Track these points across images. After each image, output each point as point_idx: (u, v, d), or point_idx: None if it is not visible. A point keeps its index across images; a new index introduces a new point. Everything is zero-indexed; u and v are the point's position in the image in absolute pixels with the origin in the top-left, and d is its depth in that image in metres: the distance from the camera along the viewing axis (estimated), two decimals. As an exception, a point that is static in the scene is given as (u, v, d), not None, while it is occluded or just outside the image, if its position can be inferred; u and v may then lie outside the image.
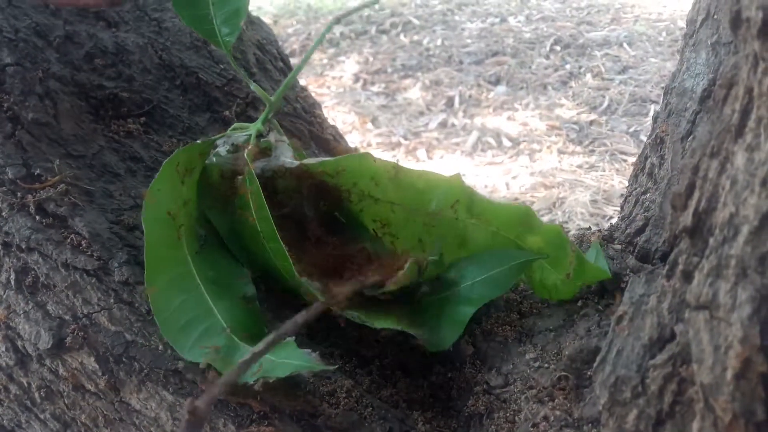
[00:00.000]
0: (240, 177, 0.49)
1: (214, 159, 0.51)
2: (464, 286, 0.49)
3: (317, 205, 0.52)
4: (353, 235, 0.52)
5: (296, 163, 0.51)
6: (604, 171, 2.00)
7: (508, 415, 0.46)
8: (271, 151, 0.51)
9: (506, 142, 2.15)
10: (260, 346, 0.37)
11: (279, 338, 0.39)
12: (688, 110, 0.48)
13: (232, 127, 0.53)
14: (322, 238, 0.52)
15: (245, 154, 0.49)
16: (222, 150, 0.51)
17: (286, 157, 0.51)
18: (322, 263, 0.50)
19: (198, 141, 0.50)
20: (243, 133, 0.52)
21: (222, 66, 0.65)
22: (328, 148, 0.70)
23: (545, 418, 0.42)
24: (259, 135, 0.52)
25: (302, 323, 0.39)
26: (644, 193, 0.54)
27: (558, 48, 2.70)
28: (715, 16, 0.46)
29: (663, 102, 0.53)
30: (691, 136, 0.47)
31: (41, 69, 0.56)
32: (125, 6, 0.65)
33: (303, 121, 0.69)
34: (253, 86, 0.51)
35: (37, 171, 0.52)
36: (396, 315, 0.47)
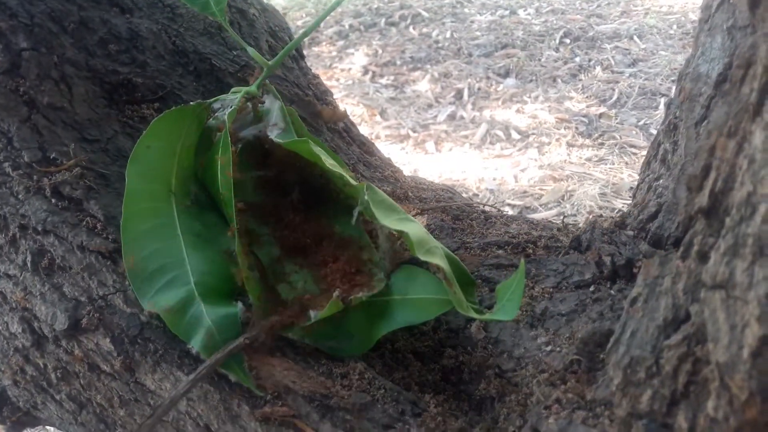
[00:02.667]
0: (219, 134, 0.49)
1: (212, 121, 0.51)
2: (396, 298, 0.48)
3: (301, 173, 0.52)
4: (334, 209, 0.52)
5: (273, 136, 0.50)
6: (614, 164, 1.99)
7: (519, 398, 0.46)
8: (266, 116, 0.51)
9: (515, 135, 2.15)
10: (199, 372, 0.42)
11: (213, 366, 0.43)
12: (702, 95, 0.47)
13: (232, 90, 0.53)
14: (300, 207, 0.52)
15: (226, 115, 0.49)
16: (221, 114, 0.51)
17: (278, 123, 0.50)
18: (294, 235, 0.51)
19: (192, 103, 0.50)
20: (237, 95, 0.52)
21: (235, 52, 0.65)
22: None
23: (557, 400, 0.42)
24: (253, 98, 0.52)
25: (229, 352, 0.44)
26: (657, 179, 0.54)
27: (568, 41, 2.69)
28: (731, 0, 0.46)
29: (677, 87, 0.53)
30: (706, 121, 0.47)
31: (56, 54, 0.57)
32: (139, -8, 0.65)
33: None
34: (250, 51, 0.52)
35: (53, 155, 0.52)
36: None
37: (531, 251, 0.55)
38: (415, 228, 0.46)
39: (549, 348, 0.47)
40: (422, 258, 0.44)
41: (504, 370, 0.48)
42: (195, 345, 0.44)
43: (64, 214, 0.50)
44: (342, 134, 0.70)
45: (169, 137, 0.48)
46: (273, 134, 0.49)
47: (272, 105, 0.52)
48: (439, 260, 0.45)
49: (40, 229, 0.49)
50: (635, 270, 0.49)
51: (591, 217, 0.55)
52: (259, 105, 0.51)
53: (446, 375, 0.50)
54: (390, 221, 0.45)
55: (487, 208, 0.66)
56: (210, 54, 0.64)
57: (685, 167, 0.48)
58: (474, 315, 0.44)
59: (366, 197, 0.45)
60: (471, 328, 0.51)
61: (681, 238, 0.49)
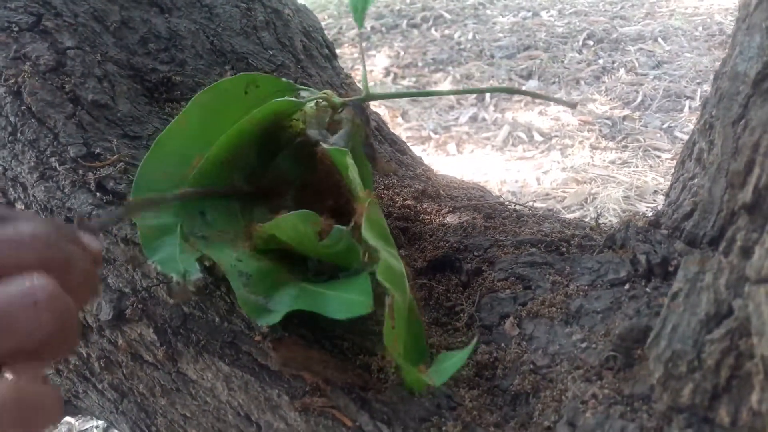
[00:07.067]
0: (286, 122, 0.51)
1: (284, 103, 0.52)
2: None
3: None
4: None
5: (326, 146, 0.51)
6: (637, 167, 1.98)
7: (554, 394, 0.46)
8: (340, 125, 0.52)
9: (537, 137, 2.15)
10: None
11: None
12: (740, 94, 0.47)
13: (323, 91, 0.53)
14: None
15: (302, 113, 0.51)
16: (311, 105, 0.52)
17: (340, 137, 0.51)
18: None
19: (284, 79, 0.51)
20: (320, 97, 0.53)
21: (271, 52, 0.67)
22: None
23: (594, 396, 0.43)
24: (333, 107, 0.52)
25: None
26: (692, 178, 0.54)
27: (591, 42, 2.68)
28: (771, 0, 0.46)
29: (713, 87, 0.53)
30: (743, 120, 0.47)
31: (100, 52, 0.58)
32: (177, -7, 0.66)
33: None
34: (362, 76, 0.53)
35: (97, 150, 0.54)
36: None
37: (565, 249, 0.56)
38: (393, 262, 0.42)
39: (584, 345, 0.47)
40: (379, 278, 0.39)
41: (539, 366, 0.48)
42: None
43: (109, 208, 0.51)
44: (374, 132, 0.71)
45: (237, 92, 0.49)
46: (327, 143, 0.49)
47: (345, 122, 0.52)
48: (398, 294, 0.39)
49: (85, 222, 0.51)
50: (670, 268, 0.49)
51: (625, 216, 0.55)
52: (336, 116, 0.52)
53: (480, 370, 0.51)
54: (374, 241, 0.41)
55: (518, 207, 0.66)
56: (247, 53, 0.65)
57: (722, 166, 0.48)
58: (402, 364, 0.39)
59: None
60: (505, 325, 0.52)
61: (717, 237, 0.50)
